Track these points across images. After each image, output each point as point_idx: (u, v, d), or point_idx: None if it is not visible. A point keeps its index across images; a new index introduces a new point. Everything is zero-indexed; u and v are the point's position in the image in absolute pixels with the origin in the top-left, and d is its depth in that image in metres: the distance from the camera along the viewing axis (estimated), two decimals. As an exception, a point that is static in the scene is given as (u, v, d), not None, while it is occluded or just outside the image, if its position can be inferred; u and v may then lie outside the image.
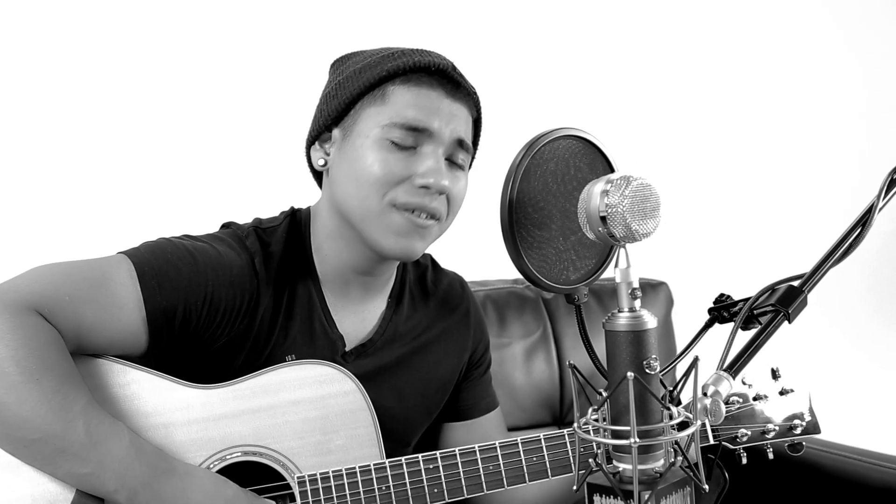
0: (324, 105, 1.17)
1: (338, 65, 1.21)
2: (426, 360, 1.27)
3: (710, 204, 2.49)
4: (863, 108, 2.69)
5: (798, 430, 1.18)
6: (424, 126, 1.09)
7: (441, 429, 1.35)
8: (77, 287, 1.03)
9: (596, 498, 0.68)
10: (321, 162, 1.18)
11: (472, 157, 1.23)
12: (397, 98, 1.10)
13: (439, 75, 1.12)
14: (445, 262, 1.37)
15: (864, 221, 0.83)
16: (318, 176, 1.25)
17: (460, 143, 1.13)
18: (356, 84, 1.12)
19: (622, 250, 0.70)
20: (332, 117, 1.15)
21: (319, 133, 1.17)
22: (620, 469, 0.68)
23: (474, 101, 1.17)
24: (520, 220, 0.76)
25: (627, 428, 0.66)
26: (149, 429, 1.05)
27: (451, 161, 1.14)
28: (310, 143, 1.20)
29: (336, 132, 1.16)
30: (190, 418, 1.07)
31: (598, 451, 0.69)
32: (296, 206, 1.27)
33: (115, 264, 1.06)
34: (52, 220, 1.87)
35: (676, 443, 0.69)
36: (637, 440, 0.65)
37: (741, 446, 1.17)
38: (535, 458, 1.16)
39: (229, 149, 1.99)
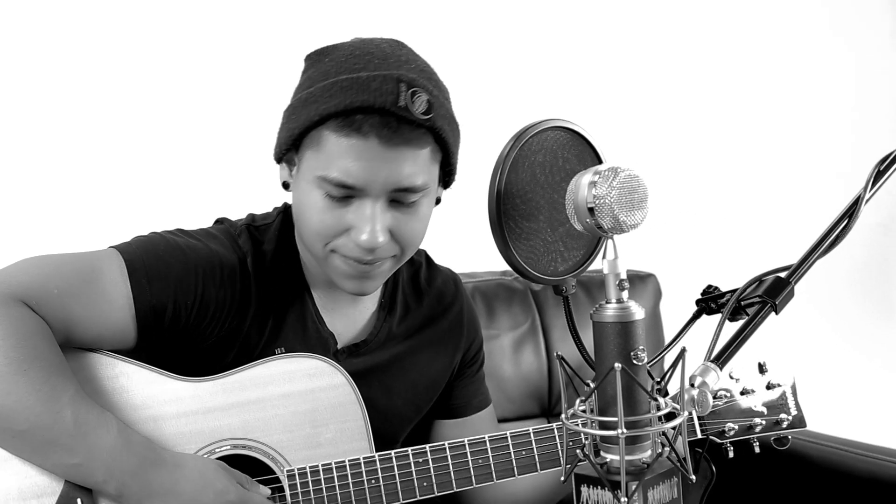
0: (281, 128, 1.11)
1: (308, 65, 1.11)
2: (418, 361, 1.26)
3: (699, 196, 2.49)
4: (852, 100, 2.70)
5: (784, 424, 1.19)
6: (353, 184, 1.02)
7: (433, 426, 1.35)
8: (66, 281, 1.02)
9: (583, 489, 0.68)
10: (283, 182, 1.14)
11: (451, 176, 1.14)
12: (330, 147, 1.01)
13: (377, 116, 0.99)
14: (434, 255, 1.37)
15: (850, 213, 0.83)
16: None
17: (403, 189, 1.04)
18: (297, 122, 1.05)
19: (610, 241, 0.70)
20: (283, 145, 1.09)
21: (282, 155, 1.12)
22: (608, 460, 0.69)
23: (428, 129, 1.03)
24: (508, 212, 0.76)
25: (615, 419, 0.66)
26: (138, 422, 1.05)
27: (397, 202, 1.06)
28: (277, 159, 1.14)
29: (294, 157, 1.10)
30: (179, 411, 1.07)
31: (586, 442, 0.69)
32: (290, 203, 1.25)
33: (106, 259, 1.06)
34: (43, 211, 1.86)
35: (664, 433, 0.69)
36: (624, 431, 0.65)
37: (728, 440, 1.18)
38: (524, 452, 1.16)
39: (223, 141, 1.97)
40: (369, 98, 0.99)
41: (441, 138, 1.05)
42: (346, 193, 1.03)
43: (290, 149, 1.09)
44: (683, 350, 0.71)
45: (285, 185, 1.14)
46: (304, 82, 1.09)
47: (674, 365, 0.71)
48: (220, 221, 1.21)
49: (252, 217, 1.21)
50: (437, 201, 1.16)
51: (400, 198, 1.05)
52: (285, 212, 1.22)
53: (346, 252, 1.07)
